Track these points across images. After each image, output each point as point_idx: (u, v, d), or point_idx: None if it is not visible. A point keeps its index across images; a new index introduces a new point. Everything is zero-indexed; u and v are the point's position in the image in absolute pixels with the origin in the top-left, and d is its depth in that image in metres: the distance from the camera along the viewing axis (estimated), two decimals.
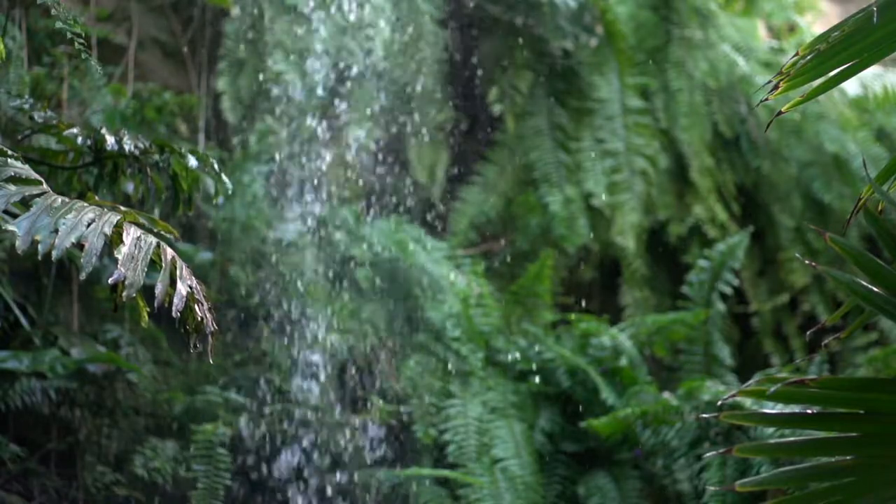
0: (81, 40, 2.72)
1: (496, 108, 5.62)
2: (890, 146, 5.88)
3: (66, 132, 2.93)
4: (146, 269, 2.21)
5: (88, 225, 2.21)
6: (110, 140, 2.88)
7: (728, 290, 5.10)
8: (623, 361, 4.81)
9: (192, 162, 2.94)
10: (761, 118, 5.84)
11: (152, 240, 2.29)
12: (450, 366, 4.84)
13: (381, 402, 4.76)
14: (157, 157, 2.95)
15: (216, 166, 2.99)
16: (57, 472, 4.19)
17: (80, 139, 2.93)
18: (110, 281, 2.17)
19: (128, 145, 2.90)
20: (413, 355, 4.86)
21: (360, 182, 5.34)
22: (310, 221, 5.15)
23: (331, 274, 5.05)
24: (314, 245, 5.08)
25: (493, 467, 4.47)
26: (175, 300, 2.23)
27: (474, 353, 4.84)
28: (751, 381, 1.89)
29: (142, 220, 2.46)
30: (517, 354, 4.90)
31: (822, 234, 1.87)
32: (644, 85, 5.87)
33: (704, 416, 2.23)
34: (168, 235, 2.52)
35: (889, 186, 2.14)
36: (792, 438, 2.05)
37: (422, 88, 5.46)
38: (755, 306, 5.79)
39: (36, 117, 2.95)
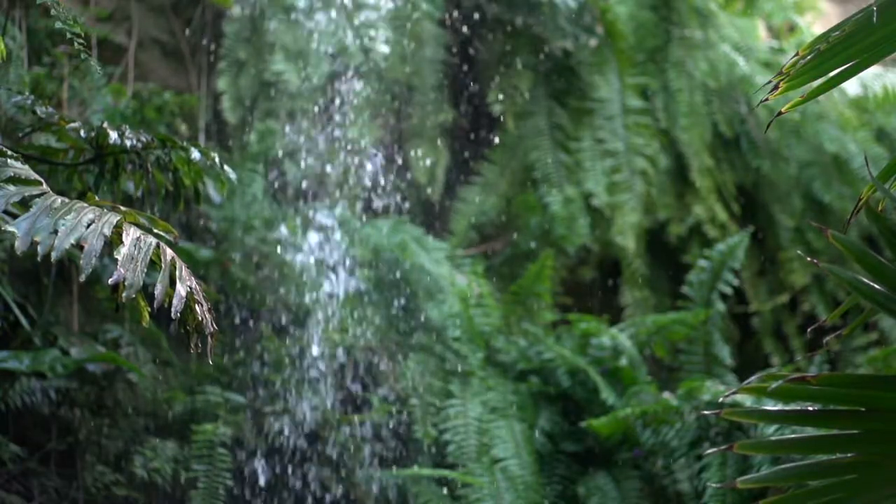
0: (81, 40, 2.71)
1: (496, 108, 5.62)
2: (890, 146, 5.88)
3: (67, 126, 2.93)
4: (146, 270, 2.21)
5: (88, 226, 2.21)
6: (112, 134, 2.88)
7: (728, 290, 5.10)
8: (623, 361, 4.80)
9: (195, 154, 2.93)
10: (761, 118, 5.84)
11: (152, 240, 2.29)
12: (450, 366, 4.84)
13: (380, 401, 4.76)
14: (158, 152, 2.95)
15: (217, 159, 2.98)
16: (57, 472, 4.19)
17: (82, 132, 2.92)
18: (110, 282, 2.17)
19: (129, 140, 2.89)
20: (413, 355, 4.86)
21: (360, 182, 5.34)
22: (310, 221, 5.15)
23: (331, 274, 5.05)
24: (314, 245, 5.07)
25: (493, 467, 4.47)
26: (174, 301, 2.23)
27: (474, 353, 4.84)
28: (751, 379, 1.89)
29: (141, 221, 2.45)
30: (517, 354, 4.90)
31: (824, 232, 1.87)
32: (644, 85, 5.87)
33: (706, 412, 2.23)
34: (168, 236, 2.52)
35: (890, 185, 2.14)
36: (793, 436, 2.05)
37: (422, 88, 5.46)
38: (755, 306, 5.79)
39: (38, 112, 2.95)
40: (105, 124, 2.94)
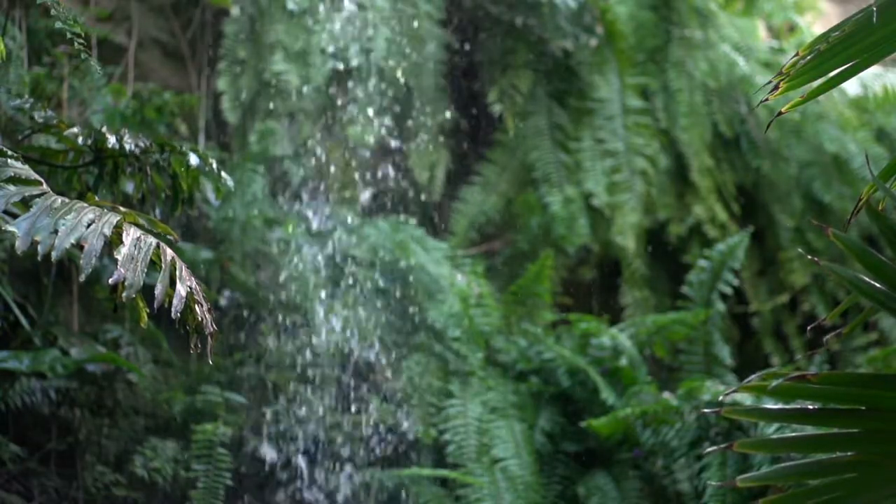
0: (81, 40, 2.71)
1: (496, 108, 5.62)
2: (890, 146, 5.88)
3: (66, 132, 2.93)
4: (146, 270, 2.21)
5: (88, 226, 2.21)
6: (111, 139, 2.88)
7: (728, 290, 5.10)
8: (623, 361, 4.80)
9: (193, 160, 2.94)
10: (761, 118, 5.84)
11: (152, 240, 2.29)
12: (450, 366, 4.84)
13: (380, 402, 4.76)
14: (157, 156, 2.95)
15: (215, 165, 2.98)
16: (57, 472, 4.19)
17: (80, 139, 2.92)
18: (110, 282, 2.17)
19: (128, 144, 2.90)
20: (413, 355, 4.86)
21: (360, 182, 5.34)
22: (309, 221, 5.15)
23: (331, 274, 5.05)
24: (314, 245, 5.07)
25: (493, 467, 4.47)
26: (174, 301, 2.23)
27: (474, 353, 4.84)
28: (752, 377, 1.89)
29: (141, 221, 2.46)
30: (517, 354, 4.90)
31: (825, 230, 1.87)
32: (644, 85, 5.87)
33: (706, 411, 2.23)
34: (168, 236, 2.52)
35: (890, 185, 2.14)
36: (793, 434, 2.05)
37: (422, 88, 5.46)
38: (755, 306, 5.79)
39: (36, 117, 2.95)
40: (104, 129, 2.95)
